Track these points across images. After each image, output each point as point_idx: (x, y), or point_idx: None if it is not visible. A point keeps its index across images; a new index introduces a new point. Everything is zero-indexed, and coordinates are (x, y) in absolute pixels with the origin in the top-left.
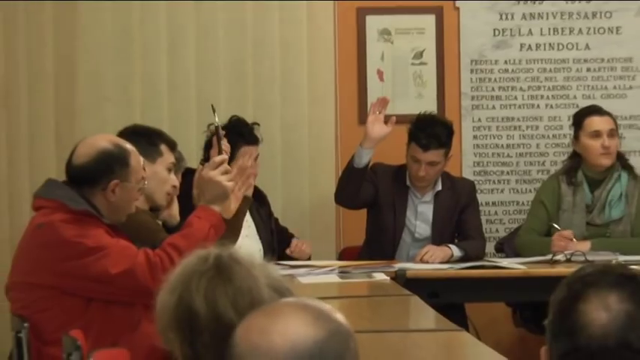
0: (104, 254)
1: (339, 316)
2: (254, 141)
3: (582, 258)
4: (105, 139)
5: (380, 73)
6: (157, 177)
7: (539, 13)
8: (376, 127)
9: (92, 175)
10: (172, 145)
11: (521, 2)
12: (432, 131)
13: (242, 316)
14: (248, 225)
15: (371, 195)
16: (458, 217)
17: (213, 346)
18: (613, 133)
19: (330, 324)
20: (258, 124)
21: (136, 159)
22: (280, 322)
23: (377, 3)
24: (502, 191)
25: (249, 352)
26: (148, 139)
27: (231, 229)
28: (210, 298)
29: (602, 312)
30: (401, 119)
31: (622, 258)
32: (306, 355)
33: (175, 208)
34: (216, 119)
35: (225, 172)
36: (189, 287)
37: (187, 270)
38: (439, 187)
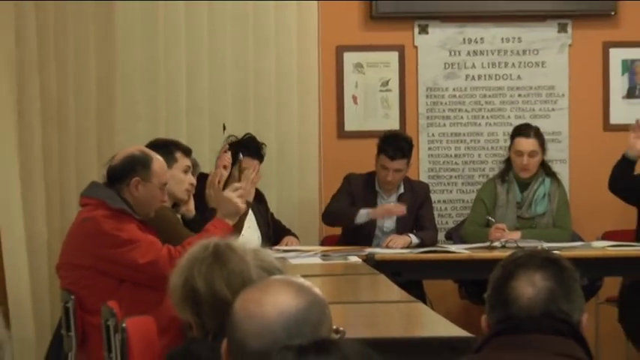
0: (135, 246)
1: (317, 290)
2: (258, 157)
3: (514, 245)
4: (134, 148)
5: (354, 98)
6: (174, 179)
7: (480, 51)
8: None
9: (119, 173)
10: (187, 152)
11: (466, 42)
12: (397, 145)
13: (235, 293)
14: (249, 218)
15: (350, 201)
16: (416, 213)
17: (212, 315)
18: (533, 154)
19: (310, 296)
20: (265, 145)
21: (160, 165)
22: (271, 294)
23: (352, 42)
24: (451, 192)
25: (246, 318)
26: (165, 149)
27: (236, 227)
28: (209, 279)
29: (529, 288)
30: (371, 135)
31: (546, 245)
32: (292, 320)
33: (191, 204)
34: (226, 144)
35: (240, 196)
36: (192, 271)
37: (191, 257)
38: (402, 189)
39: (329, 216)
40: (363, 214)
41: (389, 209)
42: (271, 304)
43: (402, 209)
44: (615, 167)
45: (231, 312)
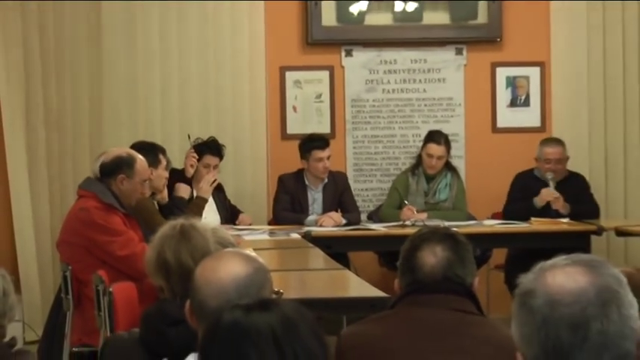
0: (116, 239)
1: (261, 259)
2: (218, 154)
3: (421, 224)
4: (123, 150)
5: (294, 108)
6: (158, 177)
7: (394, 70)
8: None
9: (108, 170)
10: (164, 152)
11: (383, 63)
12: (322, 143)
13: (197, 263)
14: (211, 203)
15: (289, 199)
16: (339, 199)
17: (180, 281)
18: (441, 157)
19: (255, 264)
20: (224, 146)
21: (142, 165)
22: (223, 263)
23: (292, 63)
24: (371, 182)
25: (204, 284)
26: (151, 152)
27: (197, 211)
28: (177, 253)
29: (431, 257)
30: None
31: (447, 224)
32: (241, 284)
33: (165, 193)
34: (192, 147)
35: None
36: (163, 246)
37: (162, 235)
38: (325, 180)
39: (283, 221)
40: (311, 220)
41: (330, 216)
42: (224, 272)
43: (340, 220)
44: (519, 208)
45: (193, 278)
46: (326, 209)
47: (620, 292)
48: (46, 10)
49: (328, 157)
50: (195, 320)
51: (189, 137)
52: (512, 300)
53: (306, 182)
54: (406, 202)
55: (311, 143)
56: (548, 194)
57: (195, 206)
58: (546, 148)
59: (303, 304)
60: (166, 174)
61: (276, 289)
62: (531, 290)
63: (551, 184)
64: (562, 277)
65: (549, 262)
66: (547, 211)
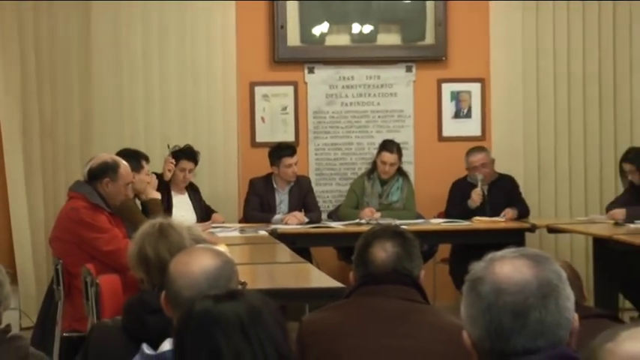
0: (102, 236)
1: (228, 254)
2: (193, 160)
3: (375, 222)
4: (108, 156)
5: (262, 119)
6: (140, 181)
7: (351, 85)
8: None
9: (95, 174)
10: (147, 159)
11: (341, 79)
12: (291, 151)
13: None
14: (188, 203)
15: (259, 201)
16: (303, 200)
17: (158, 274)
18: (393, 164)
19: (223, 258)
20: (199, 152)
21: (125, 170)
22: (195, 258)
23: (261, 79)
24: (331, 184)
25: (178, 276)
26: (135, 158)
27: (157, 210)
28: (156, 248)
29: (382, 252)
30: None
31: (398, 222)
32: (211, 276)
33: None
34: (170, 154)
35: None
36: (144, 242)
37: (143, 232)
38: (292, 184)
39: (252, 219)
40: (277, 219)
41: (294, 215)
42: (196, 265)
43: (303, 219)
44: (457, 211)
45: (168, 271)
46: (291, 209)
47: (560, 287)
48: (40, 31)
49: (296, 163)
50: (170, 309)
51: (168, 146)
52: (456, 290)
53: (274, 185)
54: (368, 203)
55: (281, 151)
56: (476, 194)
57: (155, 206)
58: (470, 157)
59: (270, 294)
60: (149, 178)
61: (241, 280)
62: (481, 277)
63: (480, 184)
64: (509, 268)
65: (499, 253)
66: (482, 212)
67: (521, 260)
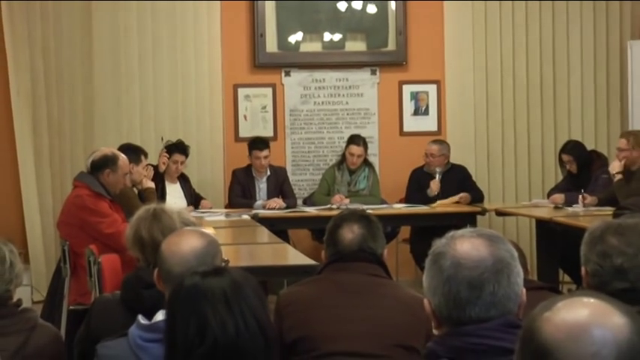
0: (103, 220)
1: (213, 235)
2: (184, 153)
3: (344, 207)
4: (109, 150)
5: (245, 117)
6: (137, 172)
7: (323, 87)
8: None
9: (97, 165)
10: (145, 154)
11: (314, 81)
12: (262, 145)
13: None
14: (179, 191)
15: (241, 188)
16: (280, 187)
17: (152, 253)
18: (360, 156)
19: (209, 238)
20: (189, 146)
21: (123, 162)
22: (184, 238)
23: (243, 81)
24: (305, 174)
25: (169, 255)
26: (135, 152)
27: (152, 198)
28: (150, 230)
29: (350, 233)
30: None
31: (364, 207)
32: (199, 254)
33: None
34: (164, 148)
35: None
36: (139, 225)
37: (139, 216)
38: (269, 173)
39: (236, 205)
40: (258, 204)
41: (275, 201)
42: (185, 245)
43: (281, 204)
44: (416, 197)
45: (160, 250)
46: (270, 196)
47: (512, 264)
48: (48, 40)
49: (265, 157)
50: (162, 284)
51: (162, 139)
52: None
53: (254, 174)
54: (338, 190)
55: (253, 145)
56: (435, 184)
57: (150, 194)
58: (428, 145)
59: (251, 271)
60: (146, 171)
61: (224, 258)
62: (442, 253)
63: (438, 176)
64: (468, 246)
65: (459, 231)
66: (437, 198)
67: (478, 239)
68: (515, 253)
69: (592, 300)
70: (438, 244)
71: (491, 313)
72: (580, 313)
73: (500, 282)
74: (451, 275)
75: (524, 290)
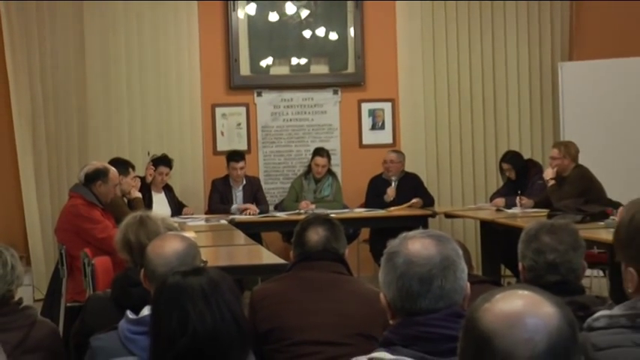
0: (96, 226)
1: (194, 238)
2: (169, 165)
3: (310, 212)
4: (100, 164)
5: (222, 133)
6: (126, 183)
7: (291, 105)
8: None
9: (90, 177)
10: (133, 167)
11: (284, 101)
12: (238, 157)
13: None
14: (164, 200)
15: (219, 196)
16: (254, 195)
17: (139, 255)
18: (325, 166)
19: (189, 242)
20: (173, 159)
21: (113, 174)
22: (167, 242)
23: (220, 101)
24: (276, 183)
25: (154, 257)
26: (123, 165)
27: (140, 206)
28: (137, 235)
29: (315, 235)
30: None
31: (328, 211)
32: (180, 255)
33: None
34: (150, 161)
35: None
36: (127, 230)
37: (127, 222)
38: (244, 182)
39: (215, 211)
40: (234, 208)
41: (251, 207)
42: (168, 248)
43: (256, 210)
44: (374, 202)
45: (146, 253)
46: (245, 202)
47: (457, 262)
48: (45, 65)
49: (241, 168)
50: (148, 283)
51: (148, 154)
52: (375, 264)
53: (231, 184)
54: (305, 197)
55: (230, 157)
56: (391, 190)
57: (138, 203)
58: (388, 154)
59: (228, 270)
60: (134, 182)
61: (203, 259)
62: (396, 252)
63: (394, 183)
64: (418, 245)
65: (411, 232)
66: (393, 203)
67: (428, 239)
68: (461, 252)
69: (526, 292)
70: (392, 244)
71: (440, 304)
72: (515, 304)
73: (447, 277)
74: (404, 272)
75: (468, 284)
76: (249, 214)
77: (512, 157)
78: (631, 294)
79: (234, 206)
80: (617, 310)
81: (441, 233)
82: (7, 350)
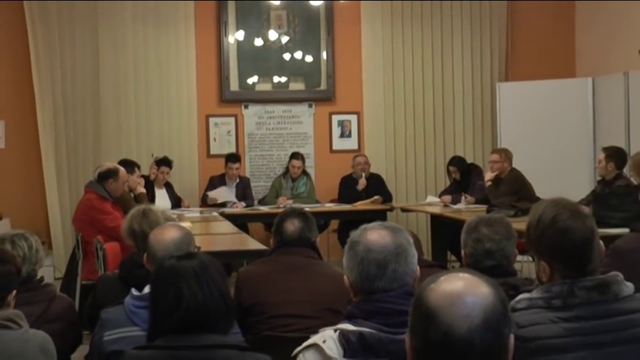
0: (107, 217)
1: (189, 227)
2: (169, 166)
3: (289, 206)
4: (112, 165)
5: (215, 139)
6: (132, 181)
7: (273, 117)
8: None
9: (103, 176)
10: (139, 167)
11: (267, 112)
12: (234, 159)
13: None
14: (165, 196)
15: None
16: (244, 191)
17: (142, 242)
18: (300, 167)
19: (185, 230)
20: (173, 160)
21: (123, 173)
22: (166, 231)
23: (213, 112)
24: (260, 182)
25: (155, 243)
26: (131, 165)
27: (144, 200)
28: (140, 224)
29: (291, 226)
30: (222, 156)
31: (303, 206)
32: (177, 242)
33: (139, 189)
34: (153, 162)
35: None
36: (132, 221)
37: (132, 214)
38: (237, 180)
39: (204, 202)
40: (213, 192)
41: (238, 205)
42: (167, 235)
43: (241, 205)
44: (348, 195)
45: (148, 240)
46: (238, 198)
47: (408, 249)
48: (66, 83)
49: (237, 168)
50: (149, 265)
51: (152, 156)
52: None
53: (227, 181)
54: (284, 194)
55: (229, 159)
56: (362, 181)
57: (142, 197)
58: (360, 158)
59: (219, 254)
60: (139, 180)
61: (197, 245)
62: (357, 241)
63: (363, 177)
64: (375, 235)
65: (369, 224)
66: (362, 198)
67: (384, 230)
68: (412, 240)
69: (466, 275)
70: (354, 234)
71: (394, 285)
72: (456, 285)
73: (399, 262)
74: (363, 257)
75: (418, 267)
76: (237, 208)
77: (457, 161)
78: (545, 281)
79: (212, 192)
80: (535, 294)
81: (395, 225)
82: (31, 320)
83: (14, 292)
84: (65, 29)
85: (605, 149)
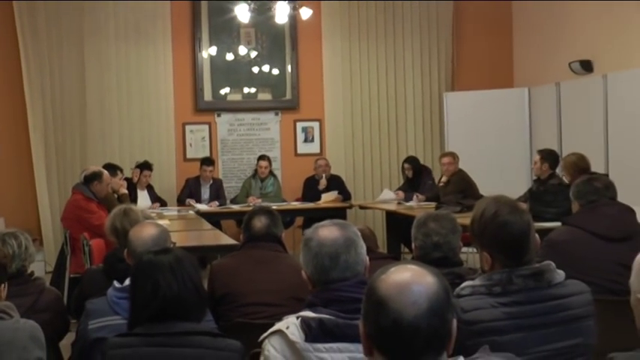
0: (92, 216)
1: (167, 225)
2: (149, 169)
3: (258, 205)
4: (96, 168)
5: (190, 144)
6: (115, 183)
7: (243, 124)
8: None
9: (88, 178)
10: (122, 170)
11: (237, 120)
12: (209, 162)
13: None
14: (146, 197)
15: (188, 192)
16: (217, 192)
17: (123, 238)
18: (267, 168)
19: (162, 228)
20: (153, 164)
21: (107, 176)
22: (145, 228)
23: (189, 120)
24: (232, 182)
25: (134, 239)
26: (113, 169)
27: (126, 200)
28: (122, 222)
29: (259, 222)
30: (197, 159)
31: (271, 204)
32: (155, 238)
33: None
34: (135, 167)
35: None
36: (114, 219)
37: (114, 212)
38: (211, 182)
39: (181, 202)
40: (204, 206)
41: (212, 204)
42: (145, 232)
43: (215, 204)
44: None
45: (128, 236)
46: (212, 199)
47: (357, 241)
48: (55, 93)
49: (211, 171)
50: (130, 259)
51: (136, 164)
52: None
53: (201, 182)
54: (253, 193)
55: (203, 162)
56: (323, 181)
57: (125, 198)
58: (320, 160)
59: (194, 249)
60: (122, 182)
61: (173, 241)
62: (310, 238)
63: (323, 177)
64: (326, 231)
65: (320, 223)
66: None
67: (333, 226)
68: (359, 233)
69: (413, 266)
70: (308, 231)
71: (347, 274)
72: (404, 275)
73: (350, 253)
74: (317, 252)
75: (367, 257)
76: (211, 207)
77: (412, 160)
78: (487, 270)
79: (202, 205)
80: (477, 282)
81: (344, 221)
82: (22, 311)
83: (1, 285)
84: (54, 46)
85: (540, 151)
